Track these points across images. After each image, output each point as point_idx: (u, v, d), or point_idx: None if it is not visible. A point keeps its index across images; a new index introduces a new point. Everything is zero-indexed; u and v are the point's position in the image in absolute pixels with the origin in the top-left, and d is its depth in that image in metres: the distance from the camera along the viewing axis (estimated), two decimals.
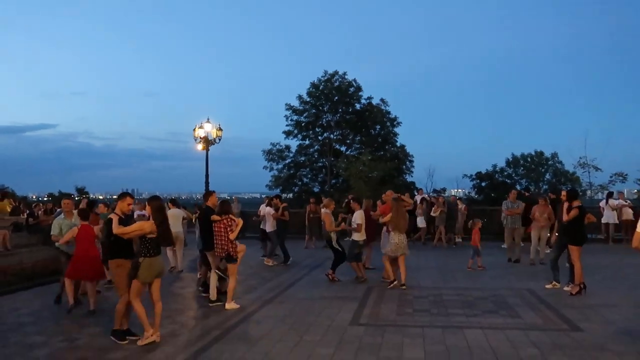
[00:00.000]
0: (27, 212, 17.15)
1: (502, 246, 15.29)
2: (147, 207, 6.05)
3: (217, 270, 7.85)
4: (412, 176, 38.81)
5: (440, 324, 6.55)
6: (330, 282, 9.59)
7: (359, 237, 9.67)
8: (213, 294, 7.85)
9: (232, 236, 7.43)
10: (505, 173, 41.80)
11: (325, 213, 9.91)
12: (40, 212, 16.80)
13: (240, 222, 7.79)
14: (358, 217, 9.70)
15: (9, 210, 14.52)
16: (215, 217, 7.64)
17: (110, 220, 5.89)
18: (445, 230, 15.83)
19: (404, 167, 38.08)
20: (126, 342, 5.75)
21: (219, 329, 6.43)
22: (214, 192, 8.49)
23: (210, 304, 7.73)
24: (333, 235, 9.79)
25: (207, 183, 22.04)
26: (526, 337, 5.83)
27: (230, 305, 7.53)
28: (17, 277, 9.88)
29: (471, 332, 6.10)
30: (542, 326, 6.38)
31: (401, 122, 38.73)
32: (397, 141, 38.82)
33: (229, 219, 7.55)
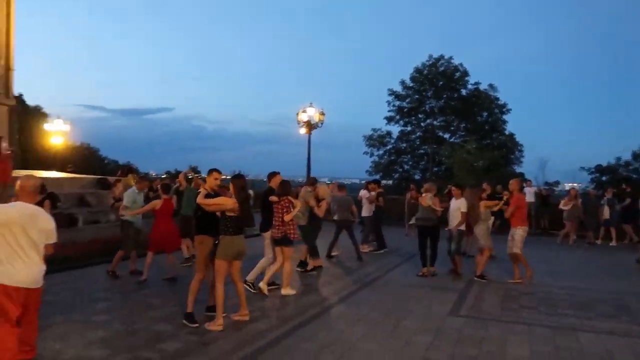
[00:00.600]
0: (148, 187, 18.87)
1: (611, 244, 14.17)
2: (230, 185, 5.96)
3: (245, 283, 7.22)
4: (521, 167, 36.47)
5: (549, 323, 6.11)
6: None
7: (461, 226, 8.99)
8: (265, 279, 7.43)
9: (287, 217, 7.13)
10: (632, 167, 37.64)
11: (423, 196, 9.38)
12: (159, 187, 18.41)
13: (298, 204, 7.53)
14: (463, 204, 8.84)
15: (133, 184, 16.04)
16: (273, 198, 7.35)
17: (198, 194, 5.92)
18: (575, 227, 14.76)
19: (512, 156, 35.88)
20: (196, 325, 5.54)
21: (316, 308, 6.59)
22: (278, 173, 7.85)
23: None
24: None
25: (308, 167, 22.55)
26: None
27: (286, 290, 7.27)
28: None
29: (584, 336, 5.62)
30: None
31: (511, 109, 36.51)
32: (505, 129, 36.64)
33: (287, 200, 7.27)
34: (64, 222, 11.50)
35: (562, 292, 7.93)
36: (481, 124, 36.68)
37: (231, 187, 5.92)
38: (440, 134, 38.17)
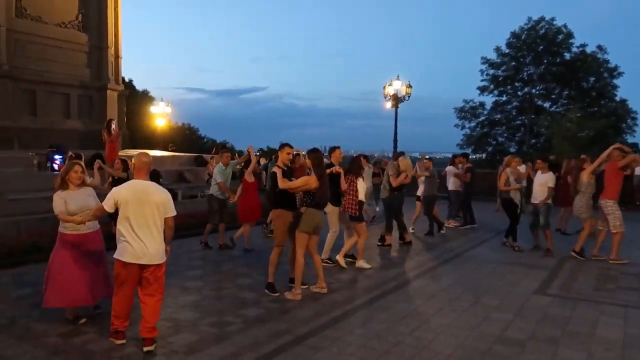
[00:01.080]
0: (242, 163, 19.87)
1: None
2: (307, 160, 6.01)
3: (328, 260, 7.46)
4: (634, 136, 33.05)
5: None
6: (510, 248, 8.89)
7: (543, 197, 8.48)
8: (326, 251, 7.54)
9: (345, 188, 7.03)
10: None
11: (504, 172, 9.03)
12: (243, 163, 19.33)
13: (360, 183, 7.49)
14: (550, 179, 8.32)
15: (227, 162, 16.97)
16: (337, 169, 6.96)
17: (275, 173, 5.88)
18: None
19: (624, 125, 32.58)
20: (277, 294, 5.79)
21: (394, 281, 6.62)
22: (338, 147, 7.49)
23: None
24: (514, 195, 8.93)
25: (395, 141, 22.26)
26: None
27: (360, 264, 7.33)
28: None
29: None
30: None
31: (623, 73, 32.95)
32: (616, 95, 33.28)
33: (351, 177, 7.31)
34: None
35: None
36: (587, 91, 33.67)
37: (308, 162, 6.00)
38: (540, 103, 35.67)
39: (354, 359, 4.10)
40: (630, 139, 32.96)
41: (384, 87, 21.86)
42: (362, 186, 7.65)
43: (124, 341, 4.35)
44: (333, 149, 7.33)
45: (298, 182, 5.83)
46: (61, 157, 11.92)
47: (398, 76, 21.60)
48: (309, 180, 5.78)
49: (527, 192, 9.66)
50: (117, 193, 4.22)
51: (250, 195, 8.56)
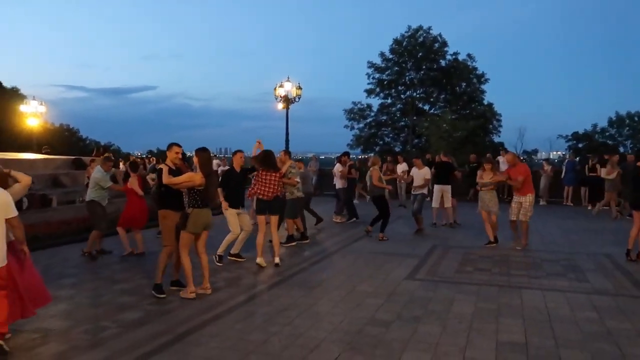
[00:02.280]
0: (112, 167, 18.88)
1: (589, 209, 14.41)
2: (195, 158, 6.00)
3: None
4: (499, 136, 37.01)
5: (498, 283, 6.45)
6: (393, 241, 9.61)
7: (424, 191, 10.53)
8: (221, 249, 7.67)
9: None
10: (608, 134, 38.37)
11: (373, 169, 9.86)
12: (127, 166, 18.43)
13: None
14: (426, 172, 10.68)
15: (109, 169, 16.04)
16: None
17: (161, 170, 5.87)
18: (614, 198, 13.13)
19: (491, 126, 36.34)
20: (164, 296, 5.72)
21: (279, 276, 6.84)
22: (239, 151, 7.89)
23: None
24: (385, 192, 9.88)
25: (287, 142, 22.63)
26: (589, 301, 5.59)
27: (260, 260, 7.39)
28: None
29: (529, 293, 5.96)
30: (611, 291, 6.04)
31: (489, 79, 36.94)
32: (483, 99, 37.14)
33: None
34: (37, 203, 11.58)
35: (519, 254, 8.28)
36: (460, 95, 36.97)
37: (196, 160, 5.93)
38: (420, 105, 38.43)
39: (232, 351, 4.22)
40: (496, 139, 36.86)
41: (275, 89, 22.15)
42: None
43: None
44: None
45: (182, 178, 5.73)
46: None
47: (288, 77, 22.01)
48: (194, 177, 5.72)
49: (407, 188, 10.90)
50: None
51: (135, 202, 8.31)
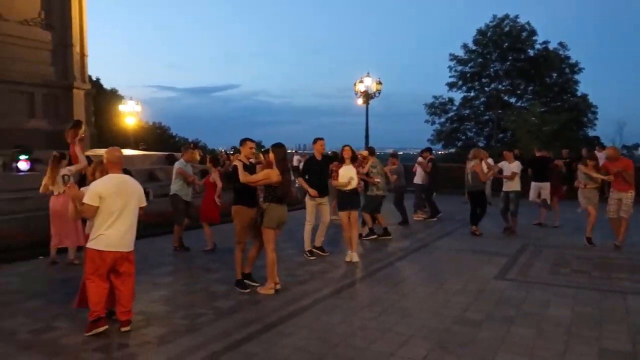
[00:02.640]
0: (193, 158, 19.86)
1: None
2: (270, 155, 5.84)
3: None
4: (594, 130, 34.30)
5: (599, 286, 6.00)
6: (481, 238, 9.34)
7: (516, 187, 9.72)
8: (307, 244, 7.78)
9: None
10: None
11: (476, 163, 9.53)
12: (225, 161, 19.28)
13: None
14: (515, 166, 9.73)
15: (198, 159, 16.91)
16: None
17: (236, 167, 5.87)
18: None
19: (585, 119, 33.78)
20: (248, 290, 5.78)
21: (364, 271, 6.85)
22: (320, 138, 7.77)
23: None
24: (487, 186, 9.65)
25: (367, 137, 22.55)
26: None
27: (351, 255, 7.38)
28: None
29: (634, 298, 5.49)
30: None
31: (583, 68, 34.17)
32: (577, 90, 34.48)
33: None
34: None
35: (622, 256, 7.66)
36: (550, 86, 34.75)
37: (271, 156, 5.85)
38: (506, 98, 36.63)
39: (320, 342, 4.30)
40: (591, 132, 34.23)
41: (355, 84, 22.13)
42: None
43: (106, 327, 4.46)
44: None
45: (259, 175, 5.76)
46: (27, 157, 11.73)
47: (368, 73, 21.89)
48: (270, 174, 5.71)
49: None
50: (100, 186, 4.41)
51: (210, 196, 8.51)
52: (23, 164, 11.50)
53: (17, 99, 15.47)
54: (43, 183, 7.04)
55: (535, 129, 25.83)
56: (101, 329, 4.44)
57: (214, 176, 8.61)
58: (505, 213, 9.84)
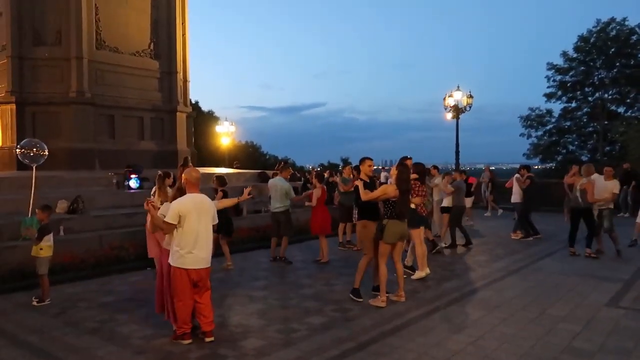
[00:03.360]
0: (302, 178, 20.31)
1: None
2: (393, 170, 6.33)
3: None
4: None
5: None
6: (586, 259, 8.63)
7: (611, 204, 9.13)
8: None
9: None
10: None
11: (588, 181, 8.80)
12: (312, 179, 19.72)
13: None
14: (615, 186, 9.06)
15: (288, 176, 17.46)
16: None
17: (357, 186, 6.26)
18: None
19: None
20: (361, 300, 6.03)
21: (457, 292, 6.60)
22: (368, 158, 7.67)
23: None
24: (594, 206, 8.91)
25: (457, 152, 21.91)
26: None
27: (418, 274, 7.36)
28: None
29: None
30: None
31: None
32: None
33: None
34: (232, 212, 13.13)
35: None
36: None
37: (393, 172, 6.27)
38: (613, 108, 33.75)
39: None
40: None
41: (444, 99, 21.65)
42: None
43: (190, 341, 4.71)
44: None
45: (376, 193, 6.10)
46: (137, 176, 12.84)
47: (458, 87, 21.33)
48: (387, 189, 6.05)
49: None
50: (180, 206, 4.65)
51: (320, 208, 8.89)
52: (134, 182, 12.61)
53: (129, 123, 17.07)
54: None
55: None
56: (186, 341, 4.68)
57: (316, 191, 8.94)
58: (609, 232, 9.05)
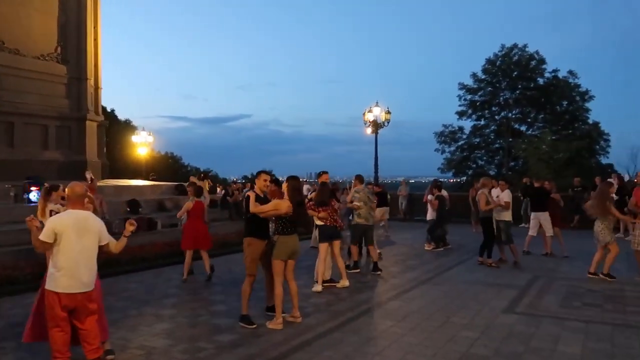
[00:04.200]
0: (224, 190, 19.87)
1: None
2: (284, 186, 6.08)
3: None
4: (607, 157, 33.97)
5: (613, 321, 5.82)
6: (491, 268, 9.20)
7: (507, 216, 9.72)
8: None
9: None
10: None
11: (481, 192, 9.51)
12: (234, 191, 19.29)
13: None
14: (506, 195, 9.92)
15: (207, 188, 17.02)
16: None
17: (248, 197, 5.88)
18: None
19: (598, 147, 33.51)
20: (254, 326, 5.62)
21: (368, 304, 6.74)
22: (324, 172, 8.78)
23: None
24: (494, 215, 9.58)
25: (376, 166, 22.57)
26: None
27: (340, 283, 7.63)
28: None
29: None
30: None
31: (594, 96, 34.14)
32: (588, 118, 34.39)
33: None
34: (145, 225, 12.54)
35: (637, 289, 7.45)
36: (561, 114, 34.74)
37: (286, 188, 6.02)
38: (516, 126, 36.63)
39: None
40: (604, 160, 33.91)
41: (364, 114, 22.25)
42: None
43: None
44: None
45: (268, 206, 5.78)
46: (37, 189, 11.90)
47: (377, 102, 22.01)
48: (279, 205, 5.75)
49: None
50: (55, 223, 4.03)
51: (194, 222, 8.58)
52: (34, 195, 11.67)
53: (31, 130, 15.82)
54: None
55: (546, 157, 25.66)
56: None
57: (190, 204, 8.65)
58: (498, 243, 9.76)
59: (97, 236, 4.16)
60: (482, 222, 9.62)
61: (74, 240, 4.00)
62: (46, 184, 6.92)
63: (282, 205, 5.77)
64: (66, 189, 4.30)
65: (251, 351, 4.87)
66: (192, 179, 14.84)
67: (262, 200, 5.98)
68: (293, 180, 6.18)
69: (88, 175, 12.29)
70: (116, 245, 4.32)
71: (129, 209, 13.51)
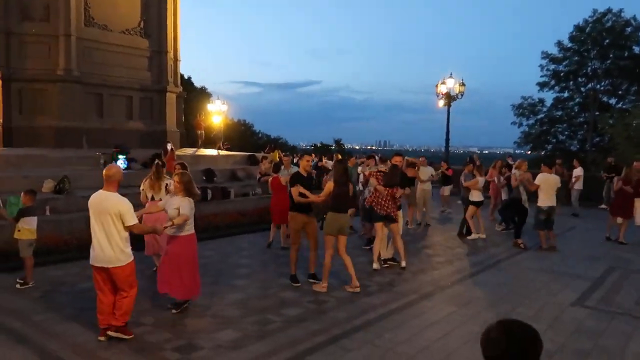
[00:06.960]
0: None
1: None
2: (334, 168, 6.95)
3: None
4: None
5: None
6: (561, 256, 8.83)
7: (543, 202, 9.21)
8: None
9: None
10: None
11: (521, 174, 9.42)
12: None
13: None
14: (538, 180, 9.36)
15: (277, 159, 17.51)
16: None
17: (294, 183, 6.55)
18: None
19: None
20: (299, 284, 6.55)
21: (431, 286, 6.79)
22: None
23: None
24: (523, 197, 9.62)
25: (447, 140, 22.06)
26: None
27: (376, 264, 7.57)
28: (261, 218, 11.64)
29: None
30: None
31: None
32: None
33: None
34: (219, 194, 13.21)
35: None
36: None
37: (334, 169, 6.83)
38: (605, 99, 33.88)
39: None
40: None
41: (437, 86, 21.58)
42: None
43: (103, 338, 4.69)
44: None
45: (320, 196, 6.59)
46: (124, 156, 12.86)
47: (451, 74, 21.24)
48: (328, 188, 6.51)
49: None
50: (89, 203, 4.66)
51: (278, 196, 8.80)
52: (121, 162, 12.63)
53: (118, 102, 16.96)
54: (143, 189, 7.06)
55: (637, 134, 23.69)
56: (101, 338, 4.68)
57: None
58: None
59: (113, 217, 4.52)
60: (513, 203, 9.70)
61: (93, 220, 4.61)
62: (157, 160, 7.52)
63: (329, 186, 6.53)
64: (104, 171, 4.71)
65: (316, 327, 5.14)
66: (262, 156, 15.25)
67: (305, 180, 6.63)
68: (341, 163, 6.92)
69: (169, 146, 13.09)
70: (139, 227, 4.83)
71: (204, 178, 14.24)
